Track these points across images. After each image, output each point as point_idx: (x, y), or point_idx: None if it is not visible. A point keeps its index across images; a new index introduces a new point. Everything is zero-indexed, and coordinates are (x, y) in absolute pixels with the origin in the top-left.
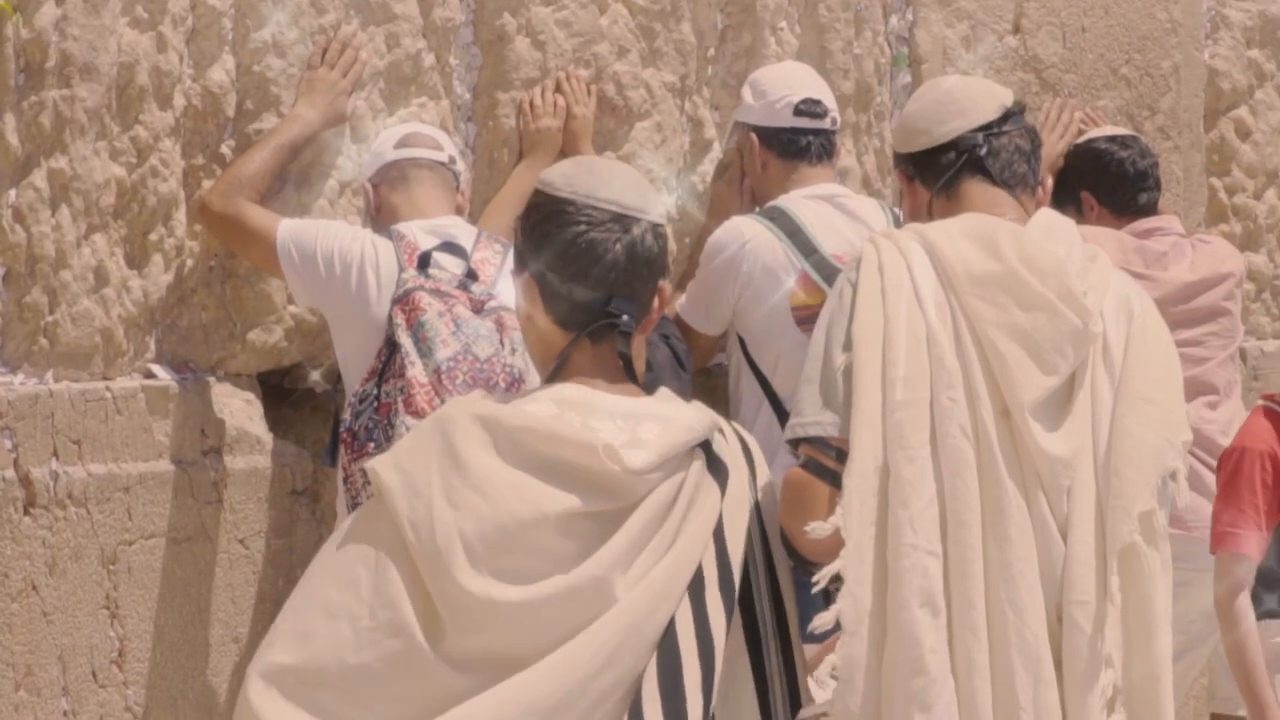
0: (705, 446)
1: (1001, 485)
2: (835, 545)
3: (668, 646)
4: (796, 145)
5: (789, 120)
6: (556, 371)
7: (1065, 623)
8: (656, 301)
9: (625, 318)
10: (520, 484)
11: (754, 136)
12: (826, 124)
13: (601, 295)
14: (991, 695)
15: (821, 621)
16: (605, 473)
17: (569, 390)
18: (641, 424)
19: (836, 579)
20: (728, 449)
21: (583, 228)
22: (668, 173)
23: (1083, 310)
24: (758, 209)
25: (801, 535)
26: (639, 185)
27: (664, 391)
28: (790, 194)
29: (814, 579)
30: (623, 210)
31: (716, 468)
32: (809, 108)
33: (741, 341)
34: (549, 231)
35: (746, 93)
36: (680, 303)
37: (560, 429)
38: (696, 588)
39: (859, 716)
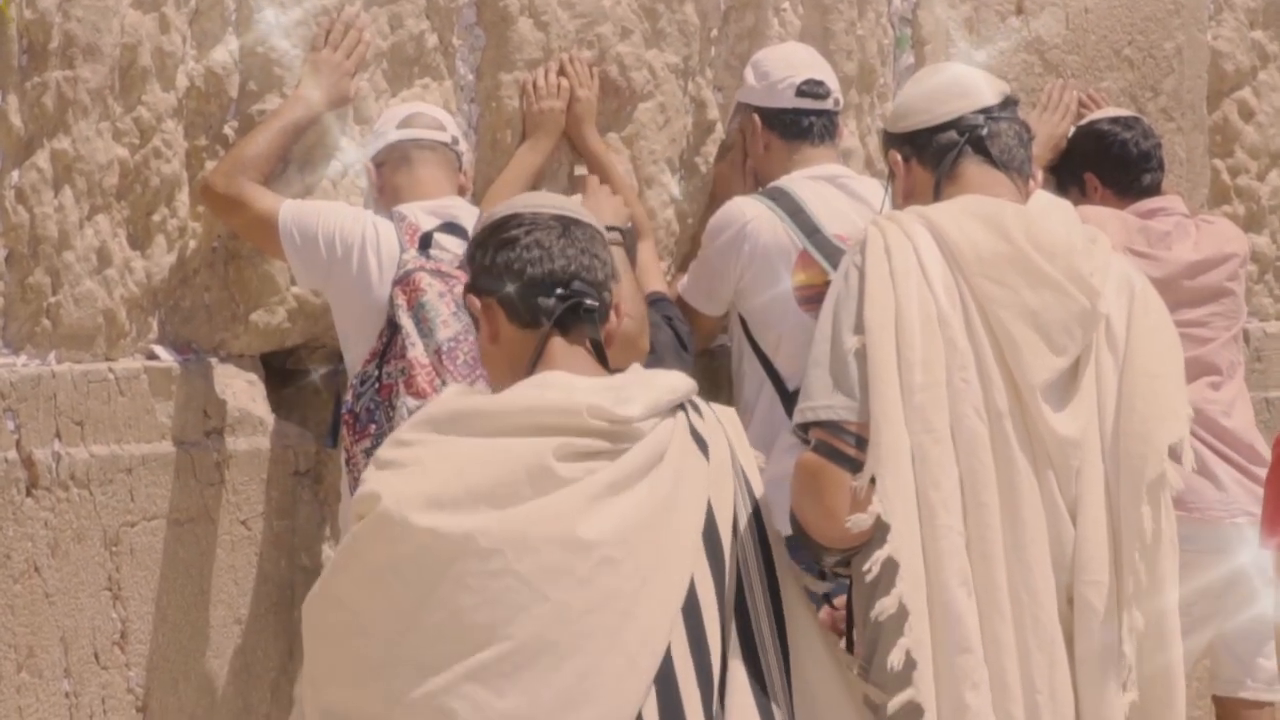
0: (686, 416)
1: (1014, 466)
2: (855, 531)
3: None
4: (799, 126)
5: (791, 101)
6: (531, 371)
7: (1077, 603)
8: (614, 315)
9: (588, 299)
10: (512, 445)
11: (756, 117)
12: (829, 105)
13: (558, 284)
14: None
15: (884, 607)
16: (594, 427)
17: (548, 375)
18: (625, 389)
19: (842, 564)
20: (705, 426)
21: (527, 228)
22: (670, 154)
23: (1090, 290)
24: (759, 190)
25: (818, 520)
26: (574, 202)
27: (636, 367)
28: (792, 174)
29: (866, 566)
30: (562, 212)
31: (697, 438)
32: (811, 88)
33: (743, 322)
34: (496, 242)
35: (749, 74)
36: (682, 284)
37: (538, 401)
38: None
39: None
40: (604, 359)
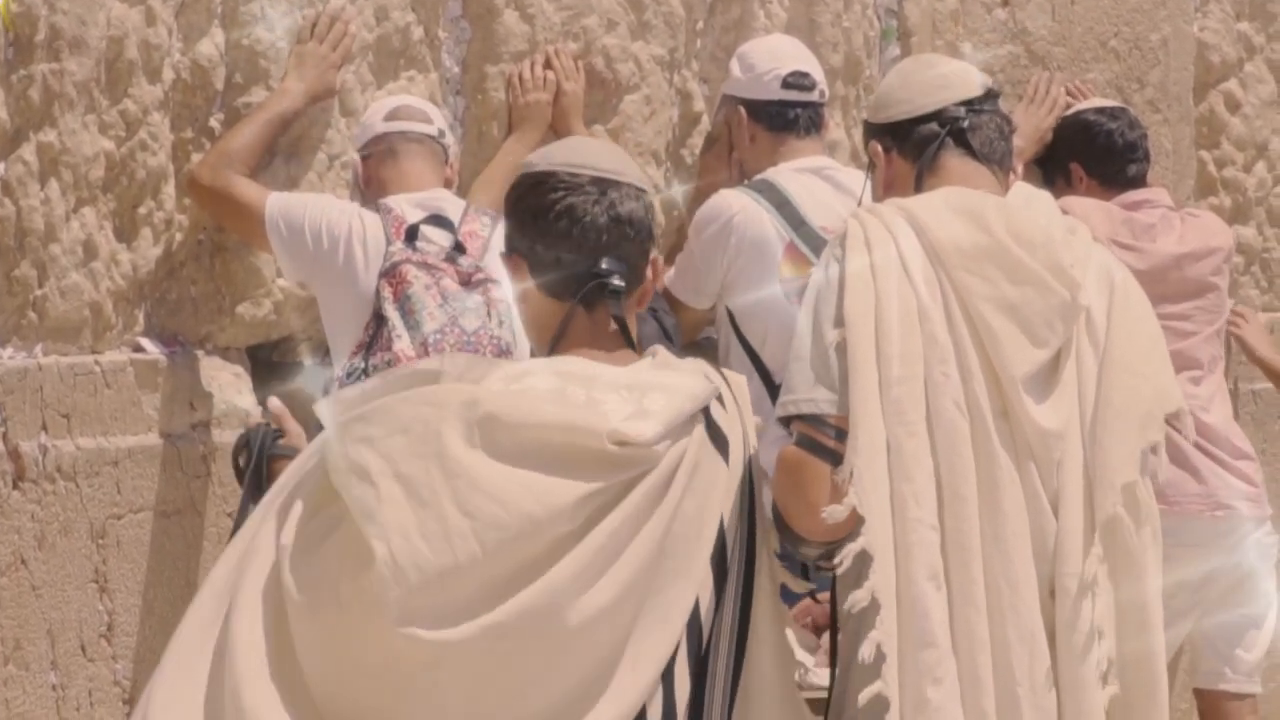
0: (706, 413)
1: (995, 459)
2: (837, 524)
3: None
4: (784, 118)
5: (777, 93)
6: (555, 344)
7: (1058, 595)
8: (650, 272)
9: (615, 278)
10: (529, 481)
11: (742, 110)
12: (814, 96)
13: (588, 258)
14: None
15: (856, 599)
16: (611, 454)
17: (570, 363)
18: (646, 394)
19: (824, 557)
20: (726, 418)
21: (561, 193)
22: (656, 146)
23: (1071, 283)
24: (745, 182)
25: (800, 514)
26: (616, 154)
27: (661, 353)
28: (779, 167)
29: (837, 559)
30: (599, 174)
31: (717, 438)
32: (797, 80)
33: (730, 315)
34: (530, 203)
35: (734, 66)
36: (669, 276)
37: (559, 418)
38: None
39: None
40: (629, 336)
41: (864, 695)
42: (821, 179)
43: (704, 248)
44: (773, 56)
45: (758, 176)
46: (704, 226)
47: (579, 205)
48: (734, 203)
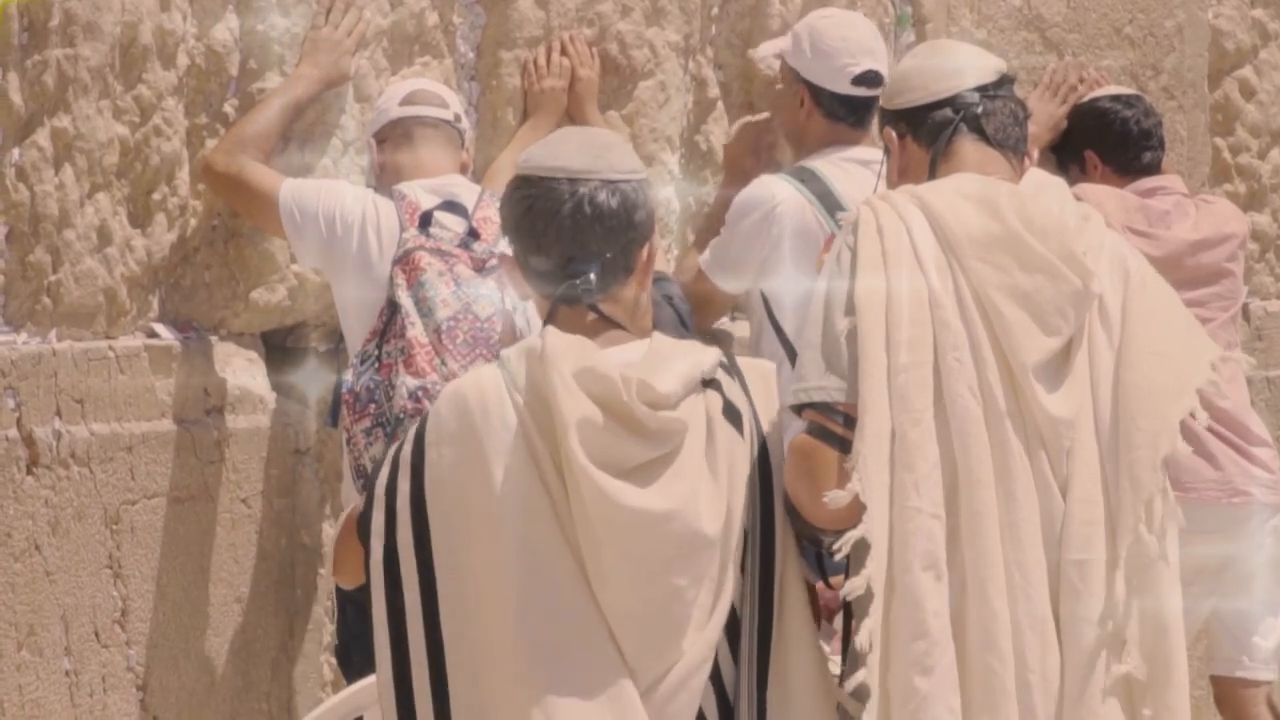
0: (717, 388)
1: (1008, 446)
2: (846, 511)
3: None
4: (846, 111)
5: (846, 88)
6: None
7: (1062, 581)
8: (645, 253)
9: (583, 277)
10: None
11: (805, 88)
12: (878, 92)
13: (558, 259)
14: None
15: (853, 587)
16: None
17: (551, 354)
18: (656, 370)
19: (835, 542)
20: (736, 392)
21: (530, 199)
22: (671, 132)
23: (1084, 271)
24: (785, 169)
25: (810, 501)
26: (592, 147)
27: (657, 336)
28: (827, 155)
29: (837, 545)
30: (568, 174)
31: (730, 410)
32: (868, 78)
33: (764, 299)
34: (507, 209)
35: (805, 41)
36: (704, 258)
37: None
38: None
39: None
40: (616, 321)
41: (850, 683)
42: (868, 170)
43: (744, 235)
44: (848, 49)
45: (799, 164)
46: (746, 213)
47: (545, 209)
48: (777, 191)
